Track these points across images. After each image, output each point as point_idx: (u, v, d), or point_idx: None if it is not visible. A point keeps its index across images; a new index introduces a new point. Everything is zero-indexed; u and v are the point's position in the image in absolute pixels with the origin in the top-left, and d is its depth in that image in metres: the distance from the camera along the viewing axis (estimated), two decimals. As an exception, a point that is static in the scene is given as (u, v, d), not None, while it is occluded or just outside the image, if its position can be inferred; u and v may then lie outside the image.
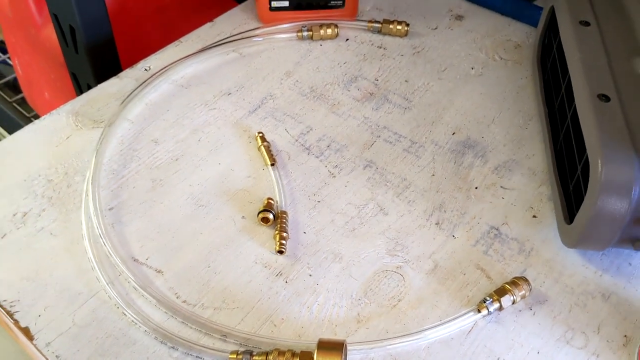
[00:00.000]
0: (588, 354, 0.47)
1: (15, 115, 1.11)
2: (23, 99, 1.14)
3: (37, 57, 0.94)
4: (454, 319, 0.48)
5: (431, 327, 0.48)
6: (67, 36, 0.74)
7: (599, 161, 0.47)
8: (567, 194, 0.55)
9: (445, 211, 0.56)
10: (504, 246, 0.54)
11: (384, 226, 0.55)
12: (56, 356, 0.46)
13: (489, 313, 0.49)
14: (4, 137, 1.20)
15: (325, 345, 0.44)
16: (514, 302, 0.49)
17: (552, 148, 0.60)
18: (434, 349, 0.47)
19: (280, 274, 0.52)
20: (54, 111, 0.64)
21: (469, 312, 0.49)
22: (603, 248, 0.51)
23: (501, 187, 0.58)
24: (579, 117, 0.52)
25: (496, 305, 0.49)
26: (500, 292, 0.49)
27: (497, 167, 0.60)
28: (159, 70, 0.66)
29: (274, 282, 0.51)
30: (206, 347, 0.46)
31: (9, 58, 1.24)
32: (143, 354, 0.46)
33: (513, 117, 0.65)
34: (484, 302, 0.49)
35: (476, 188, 0.58)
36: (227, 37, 0.71)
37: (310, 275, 0.52)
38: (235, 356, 0.45)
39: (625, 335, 0.48)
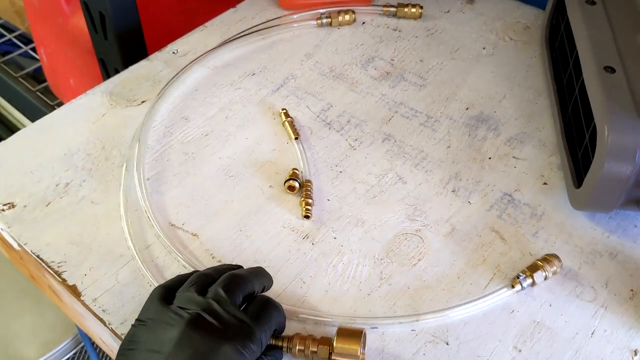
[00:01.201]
0: (597, 305, 0.51)
1: (39, 103, 1.15)
2: (46, 88, 1.18)
3: (63, 45, 0.98)
4: (489, 294, 0.50)
5: (466, 303, 0.50)
6: (96, 23, 0.78)
7: (606, 127, 0.50)
8: (575, 162, 0.58)
9: (460, 180, 0.60)
10: (516, 211, 0.57)
11: (403, 194, 0.59)
12: (103, 310, 0.50)
13: (522, 288, 0.51)
14: (21, 123, 1.25)
15: (344, 333, 0.45)
16: (546, 278, 0.51)
17: (561, 120, 0.63)
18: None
19: (307, 237, 0.55)
20: (89, 91, 0.67)
21: (502, 288, 0.51)
22: (610, 210, 0.54)
23: (513, 157, 0.62)
24: (587, 88, 0.55)
25: (529, 280, 0.51)
26: (533, 268, 0.51)
27: (509, 139, 0.64)
28: (196, 58, 0.70)
29: (301, 244, 0.55)
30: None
31: (31, 49, 1.28)
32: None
33: (523, 93, 0.69)
34: (518, 277, 0.51)
35: (490, 158, 0.62)
36: (251, 27, 0.74)
37: (334, 238, 0.55)
38: None
39: (631, 290, 0.52)
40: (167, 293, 0.44)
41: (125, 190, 0.57)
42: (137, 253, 0.52)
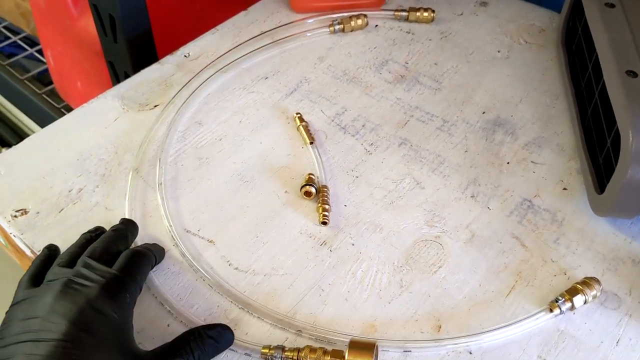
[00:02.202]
0: (621, 314, 0.50)
1: (45, 106, 1.14)
2: (52, 90, 1.17)
3: (70, 48, 0.97)
4: (526, 318, 0.48)
5: (503, 327, 0.48)
6: (106, 26, 0.77)
7: (630, 133, 0.50)
8: (596, 167, 0.58)
9: (479, 185, 0.59)
10: (537, 216, 0.56)
11: (421, 199, 0.58)
12: (119, 319, 0.49)
13: (562, 312, 0.49)
14: (27, 126, 1.24)
15: (356, 345, 0.45)
16: (585, 302, 0.49)
17: (580, 124, 0.63)
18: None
19: (325, 243, 0.54)
20: (100, 95, 0.66)
21: (541, 311, 0.49)
22: (633, 216, 0.53)
23: (532, 162, 0.61)
24: (609, 92, 0.54)
25: (568, 304, 0.49)
26: (572, 291, 0.49)
27: (527, 143, 0.63)
28: (210, 63, 0.69)
29: (319, 250, 0.54)
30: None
31: (36, 52, 1.27)
32: (203, 310, 0.49)
33: (540, 96, 0.68)
34: (557, 301, 0.49)
35: (508, 163, 0.61)
36: (263, 32, 0.73)
37: (352, 245, 0.54)
38: (267, 350, 0.46)
39: (655, 297, 0.51)
40: (34, 277, 0.46)
41: (131, 198, 0.56)
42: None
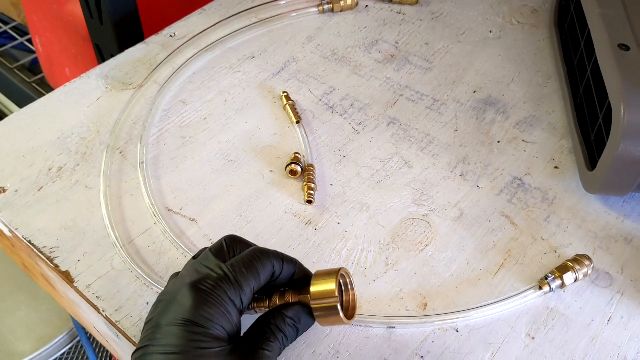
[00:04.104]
0: (613, 292, 0.48)
1: (35, 95, 1.13)
2: (42, 79, 1.16)
3: (58, 33, 0.96)
4: (514, 296, 0.47)
5: (492, 304, 0.47)
6: (92, 8, 0.76)
7: (622, 106, 0.48)
8: (588, 144, 0.56)
9: (469, 164, 0.58)
10: (527, 195, 0.55)
11: (409, 178, 0.57)
12: (97, 297, 0.47)
13: (551, 290, 0.48)
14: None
15: (320, 275, 0.41)
16: (576, 280, 0.48)
17: (572, 103, 0.61)
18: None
19: (310, 223, 0.53)
20: (83, 75, 0.65)
21: (529, 289, 0.48)
22: (625, 193, 0.52)
23: (523, 141, 0.60)
24: (601, 67, 0.53)
25: (558, 282, 0.48)
26: (563, 268, 0.48)
27: (518, 122, 0.61)
28: (190, 39, 0.68)
29: (304, 229, 0.52)
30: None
31: (27, 41, 1.26)
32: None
33: (532, 76, 0.66)
34: (546, 278, 0.48)
35: (499, 142, 0.60)
36: (249, 8, 0.72)
37: (338, 224, 0.53)
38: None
39: (648, 275, 0.50)
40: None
41: (106, 176, 0.55)
42: (119, 244, 0.50)
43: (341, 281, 0.42)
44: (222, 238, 0.42)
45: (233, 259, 0.40)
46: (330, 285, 0.39)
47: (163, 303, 0.39)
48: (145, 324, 0.38)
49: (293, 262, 0.42)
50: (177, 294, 0.38)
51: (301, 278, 0.42)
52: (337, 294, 0.39)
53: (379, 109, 0.63)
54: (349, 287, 0.42)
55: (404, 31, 0.72)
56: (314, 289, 0.40)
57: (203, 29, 0.70)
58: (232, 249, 0.41)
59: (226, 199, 0.55)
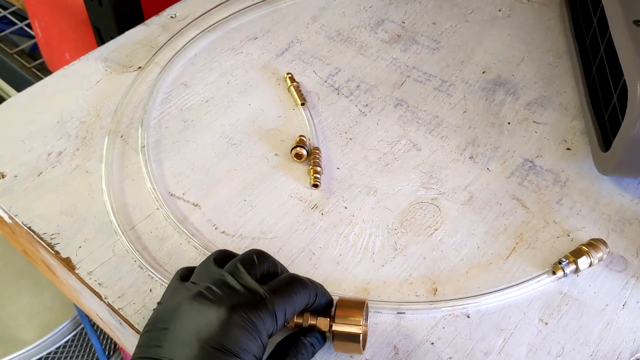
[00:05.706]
0: (627, 276, 0.47)
1: (35, 80, 1.11)
2: (42, 64, 1.14)
3: (58, 17, 0.94)
4: (527, 280, 0.46)
5: (504, 289, 0.46)
6: (90, -12, 0.74)
7: (638, 84, 0.47)
8: (602, 125, 0.55)
9: (478, 146, 0.56)
10: (538, 177, 0.54)
11: (417, 161, 0.55)
12: (98, 284, 0.46)
13: (565, 275, 0.46)
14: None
15: (346, 304, 0.42)
16: (591, 265, 0.46)
17: (584, 82, 0.59)
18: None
19: (316, 207, 0.52)
20: (82, 57, 0.64)
21: (543, 274, 0.46)
22: (639, 175, 0.51)
23: (534, 122, 0.58)
24: (615, 44, 0.51)
25: (572, 267, 0.46)
26: (577, 253, 0.47)
27: (529, 103, 0.60)
28: (191, 21, 0.66)
29: (309, 214, 0.51)
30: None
31: (26, 25, 1.24)
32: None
33: (542, 56, 0.65)
34: (560, 263, 0.46)
35: (509, 123, 0.58)
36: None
37: (345, 208, 0.52)
38: None
39: (664, 259, 0.48)
40: (188, 272, 0.42)
41: (107, 160, 0.54)
42: (121, 230, 0.49)
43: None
44: (251, 252, 0.41)
45: (271, 285, 0.39)
46: (357, 317, 0.41)
47: (189, 315, 0.37)
48: (159, 328, 0.37)
49: (326, 295, 0.43)
50: (210, 313, 0.37)
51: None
52: (362, 323, 0.41)
53: (385, 90, 0.61)
54: (366, 321, 0.43)
55: (410, 10, 0.70)
56: (340, 317, 0.41)
57: (204, 9, 0.69)
58: (262, 265, 0.41)
59: (230, 184, 0.53)
